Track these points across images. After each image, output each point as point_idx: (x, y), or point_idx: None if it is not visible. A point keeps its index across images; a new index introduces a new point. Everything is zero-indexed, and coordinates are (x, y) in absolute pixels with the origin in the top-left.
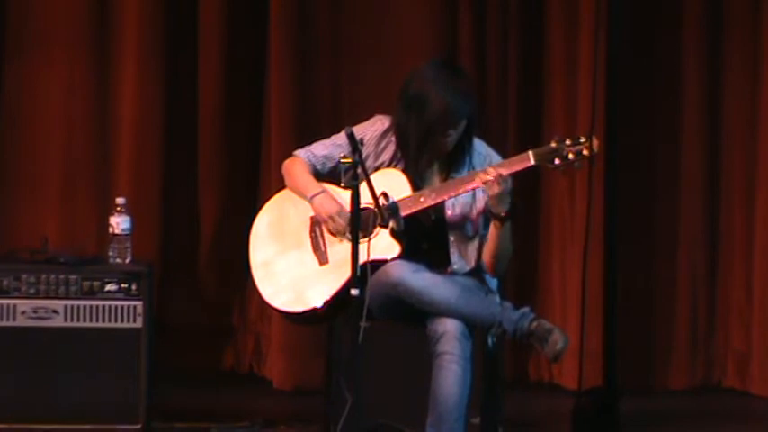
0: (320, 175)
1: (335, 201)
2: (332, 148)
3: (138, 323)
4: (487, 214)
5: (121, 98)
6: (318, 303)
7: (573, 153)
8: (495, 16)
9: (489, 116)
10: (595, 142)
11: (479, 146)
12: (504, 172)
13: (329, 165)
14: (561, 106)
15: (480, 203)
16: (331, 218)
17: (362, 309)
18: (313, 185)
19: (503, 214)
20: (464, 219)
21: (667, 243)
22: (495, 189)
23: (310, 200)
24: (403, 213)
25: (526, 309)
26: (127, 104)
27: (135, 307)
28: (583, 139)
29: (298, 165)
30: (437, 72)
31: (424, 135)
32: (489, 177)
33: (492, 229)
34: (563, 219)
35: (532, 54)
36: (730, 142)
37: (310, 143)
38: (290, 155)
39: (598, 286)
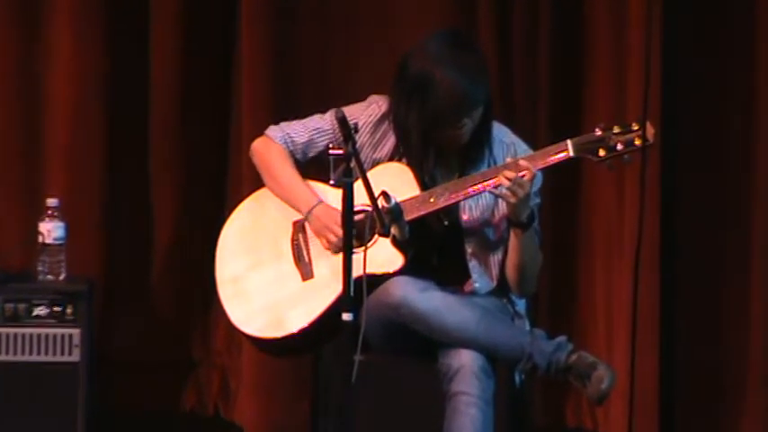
0: (299, 165)
1: (333, 209)
2: (314, 133)
3: (75, 356)
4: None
5: (53, 72)
6: (294, 329)
7: (622, 143)
8: None
9: (514, 101)
10: (650, 130)
11: (502, 133)
12: (533, 166)
13: (311, 154)
14: (605, 86)
15: (505, 204)
16: (327, 228)
17: (357, 337)
18: (305, 195)
19: (524, 220)
20: (484, 224)
21: (738, 257)
22: (520, 192)
23: (306, 216)
24: (407, 217)
25: (562, 338)
26: (60, 80)
27: (71, 336)
28: (635, 127)
29: (276, 155)
30: (441, 47)
31: (429, 129)
32: (512, 175)
33: (513, 238)
34: (609, 226)
35: (568, 22)
36: None
37: (287, 120)
38: None
39: (652, 311)
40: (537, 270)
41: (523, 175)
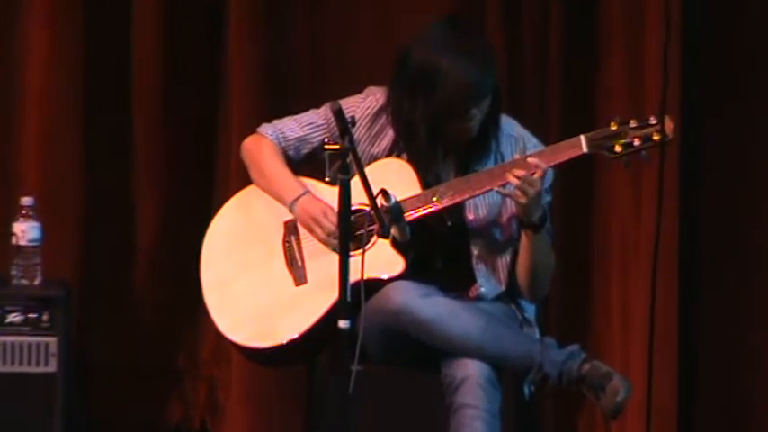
0: (292, 163)
1: (320, 200)
2: (308, 128)
3: (52, 366)
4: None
5: (26, 61)
6: (284, 339)
7: (639, 138)
8: None
9: (523, 94)
10: (669, 124)
11: (510, 127)
12: (543, 163)
13: (304, 150)
14: (621, 79)
15: (514, 204)
16: (314, 220)
17: (354, 346)
18: (291, 185)
19: (536, 221)
20: (491, 224)
21: (762, 261)
22: (530, 192)
23: (291, 206)
24: (408, 217)
25: (575, 347)
26: (34, 69)
27: (47, 345)
28: (653, 121)
29: (266, 150)
30: (444, 35)
31: (437, 123)
32: (522, 174)
33: (524, 240)
34: (625, 227)
35: (581, 9)
36: None
37: (280, 117)
38: None
39: (671, 318)
40: (549, 273)
41: (533, 173)
